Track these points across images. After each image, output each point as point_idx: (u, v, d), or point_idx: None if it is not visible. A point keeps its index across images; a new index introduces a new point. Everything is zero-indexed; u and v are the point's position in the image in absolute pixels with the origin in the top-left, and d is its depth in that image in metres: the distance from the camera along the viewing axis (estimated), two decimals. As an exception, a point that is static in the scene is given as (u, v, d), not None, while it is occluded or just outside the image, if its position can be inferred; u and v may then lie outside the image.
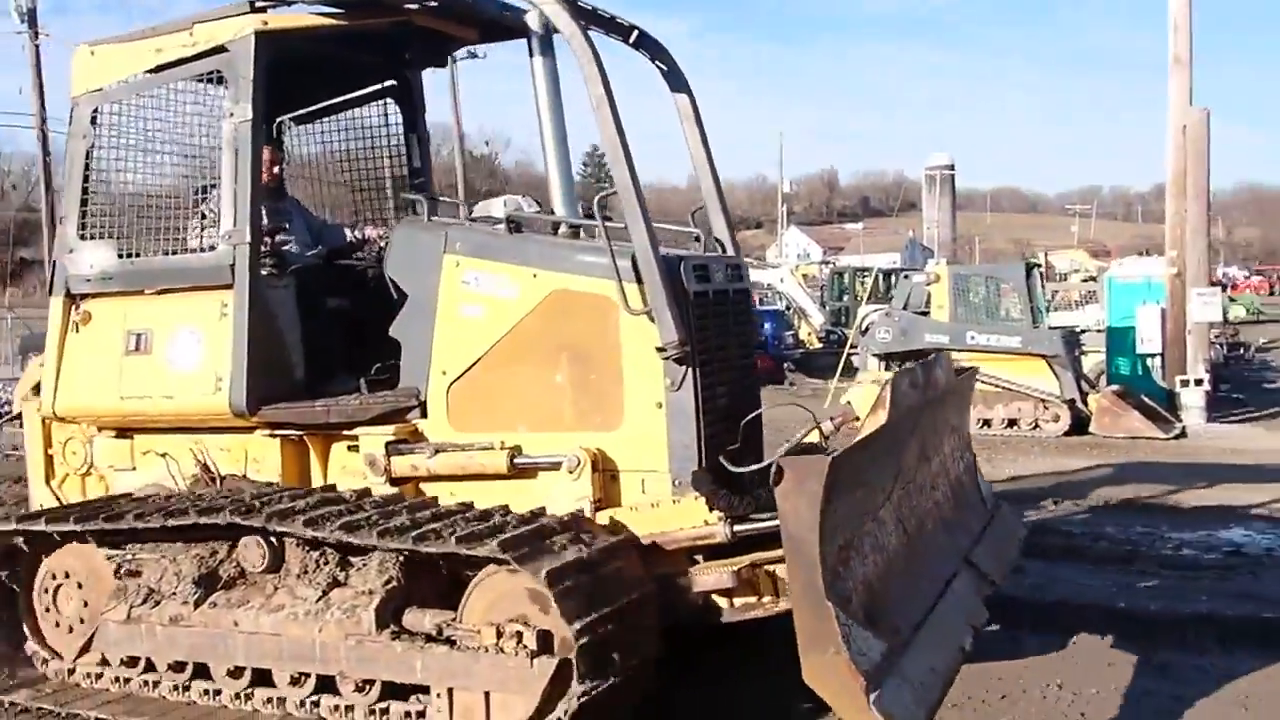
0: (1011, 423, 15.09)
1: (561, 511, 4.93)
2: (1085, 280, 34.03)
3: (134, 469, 5.95)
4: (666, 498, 4.92)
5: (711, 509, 4.74)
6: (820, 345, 28.10)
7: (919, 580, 4.56)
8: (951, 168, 44.18)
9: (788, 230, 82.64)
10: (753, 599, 4.78)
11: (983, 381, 15.56)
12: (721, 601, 4.82)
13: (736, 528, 4.71)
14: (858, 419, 4.97)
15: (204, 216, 5.69)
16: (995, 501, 6.17)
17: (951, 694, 4.39)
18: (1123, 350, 17.87)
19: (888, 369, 14.11)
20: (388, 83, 6.50)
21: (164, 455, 5.83)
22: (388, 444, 5.33)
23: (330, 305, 5.91)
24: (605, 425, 5.04)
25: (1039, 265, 19.74)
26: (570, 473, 4.98)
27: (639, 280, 4.87)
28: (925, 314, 16.20)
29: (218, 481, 5.63)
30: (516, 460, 5.11)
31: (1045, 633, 6.01)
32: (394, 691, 4.81)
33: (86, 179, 5.75)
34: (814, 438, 5.14)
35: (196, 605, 5.10)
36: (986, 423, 14.94)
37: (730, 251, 5.77)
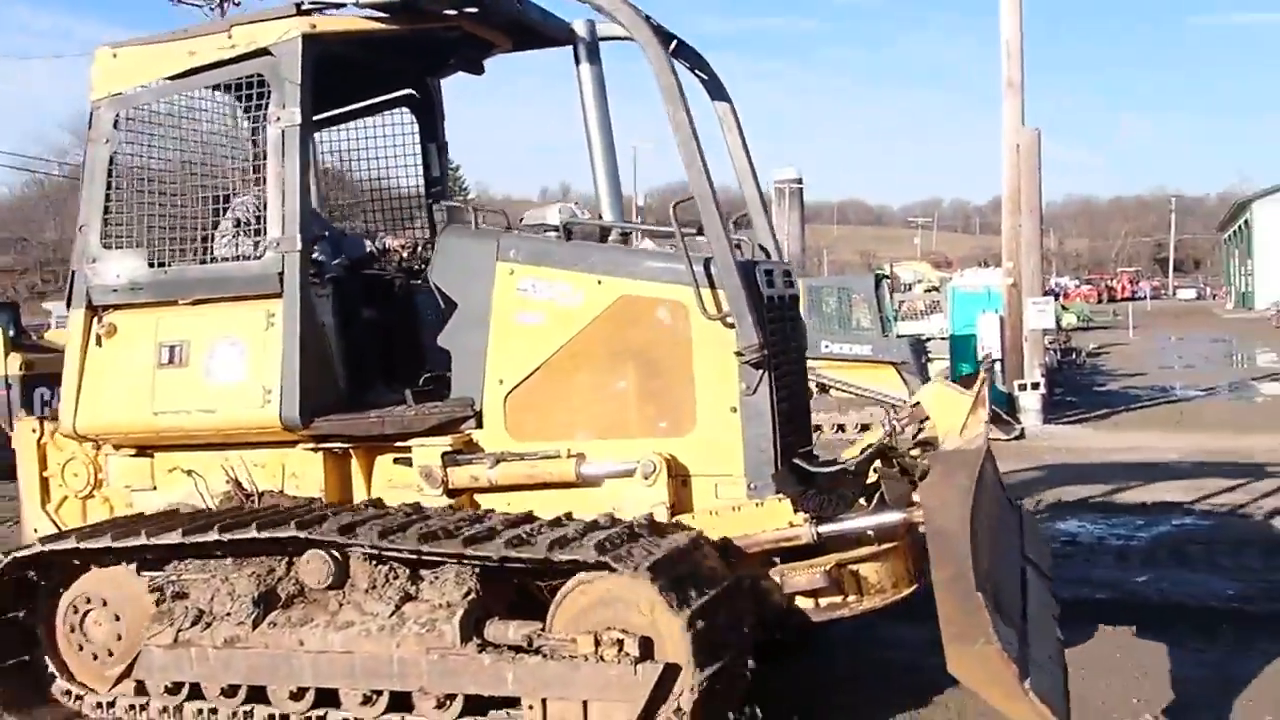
0: (864, 427, 15.48)
1: (629, 517, 4.91)
2: (928, 290, 35.22)
3: (154, 488, 5.69)
4: (741, 501, 4.94)
5: (796, 510, 4.79)
6: None
7: (1009, 575, 4.69)
8: (800, 181, 45.15)
9: (642, 242, 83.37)
10: (838, 599, 4.82)
11: (837, 388, 16.19)
12: (807, 602, 4.85)
13: (821, 529, 4.76)
14: (927, 419, 5.07)
15: (237, 224, 5.51)
16: (1018, 501, 6.37)
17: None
18: (965, 356, 18.70)
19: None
20: (405, 90, 6.38)
21: (189, 473, 5.60)
22: (444, 455, 5.22)
23: (363, 315, 5.77)
24: (675, 431, 5.03)
25: (887, 276, 20.59)
26: (645, 479, 4.96)
27: (712, 285, 4.90)
28: None
29: (256, 498, 5.44)
30: (583, 468, 5.06)
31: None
32: (476, 706, 4.72)
33: (109, 185, 5.50)
34: (872, 437, 5.24)
35: (255, 625, 4.93)
36: (841, 427, 15.62)
37: (776, 257, 5.82)
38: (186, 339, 5.35)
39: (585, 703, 4.49)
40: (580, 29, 5.57)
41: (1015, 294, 18.04)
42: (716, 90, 5.89)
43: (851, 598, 4.82)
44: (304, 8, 5.19)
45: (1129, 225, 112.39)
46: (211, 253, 5.47)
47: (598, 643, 4.48)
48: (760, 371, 4.89)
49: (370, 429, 5.27)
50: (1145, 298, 75.13)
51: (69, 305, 5.60)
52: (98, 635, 5.29)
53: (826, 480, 5.13)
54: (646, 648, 4.43)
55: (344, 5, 5.21)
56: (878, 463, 5.15)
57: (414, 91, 6.39)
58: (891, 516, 4.78)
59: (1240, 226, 61.35)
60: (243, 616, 4.95)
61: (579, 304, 5.13)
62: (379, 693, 4.80)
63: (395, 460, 5.44)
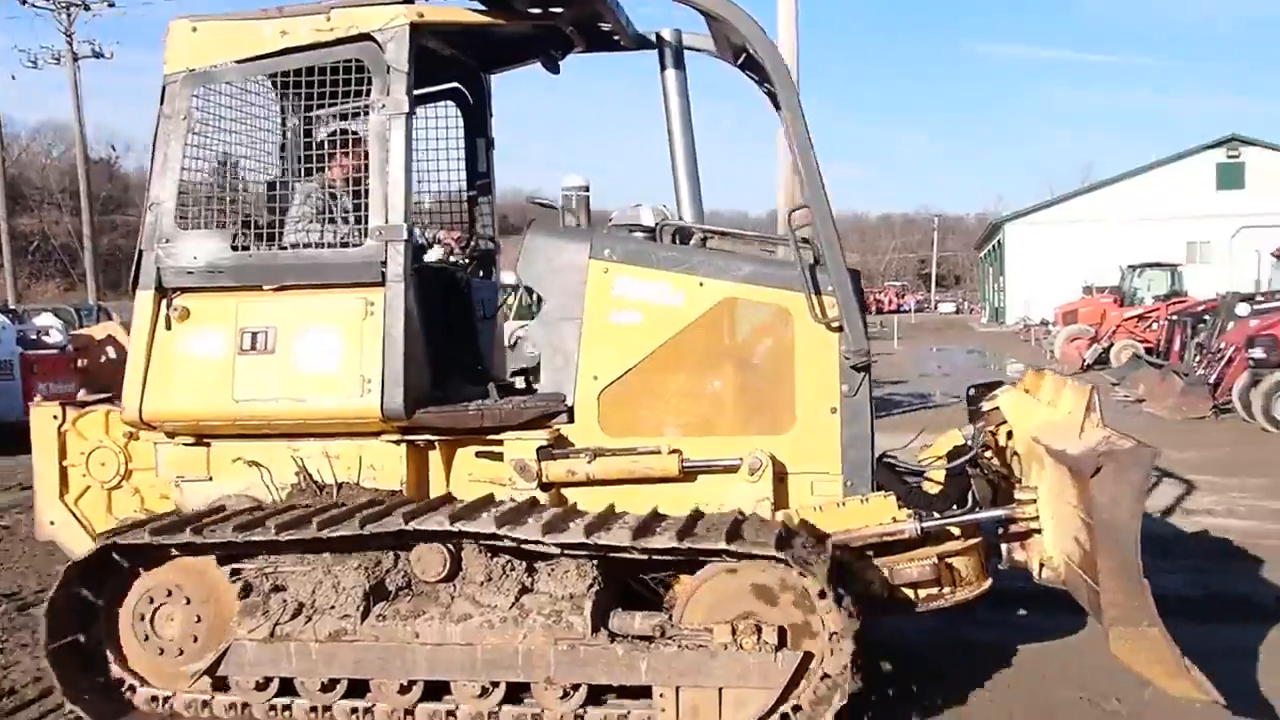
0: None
1: (734, 513, 5.08)
2: None
3: (210, 479, 5.49)
4: (838, 497, 5.17)
5: (901, 507, 5.06)
6: None
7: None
8: (586, 188, 45.75)
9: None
10: (936, 590, 5.11)
11: None
12: (909, 593, 5.12)
13: (925, 524, 5.04)
14: (1004, 423, 5.43)
15: (319, 211, 5.41)
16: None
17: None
18: None
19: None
20: (452, 84, 6.35)
21: (252, 464, 5.44)
22: (539, 449, 5.25)
23: (434, 308, 5.72)
24: (773, 429, 5.22)
25: None
26: (751, 474, 5.12)
27: (818, 291, 5.12)
28: None
29: (334, 491, 5.33)
30: (687, 463, 5.19)
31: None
32: (596, 695, 4.80)
33: (185, 163, 5.29)
34: (948, 442, 5.56)
35: (363, 618, 4.86)
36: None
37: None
38: (272, 325, 5.20)
39: (720, 690, 4.65)
40: (668, 35, 5.71)
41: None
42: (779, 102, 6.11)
43: (947, 589, 5.11)
44: None
45: (896, 241, 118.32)
46: (281, 239, 5.36)
47: (734, 631, 4.64)
48: (862, 374, 5.15)
49: (469, 421, 5.25)
50: (910, 311, 79.32)
51: (135, 287, 5.35)
52: (171, 630, 5.08)
53: (903, 480, 5.44)
54: (783, 636, 4.62)
55: (453, -5, 5.20)
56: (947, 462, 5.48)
57: (461, 86, 6.37)
58: (994, 513, 5.10)
59: (994, 246, 65.54)
60: (349, 609, 4.87)
61: (679, 304, 5.26)
62: (495, 684, 4.83)
63: (477, 454, 5.43)
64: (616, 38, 5.80)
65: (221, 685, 5.03)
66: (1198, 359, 18.91)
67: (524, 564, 4.86)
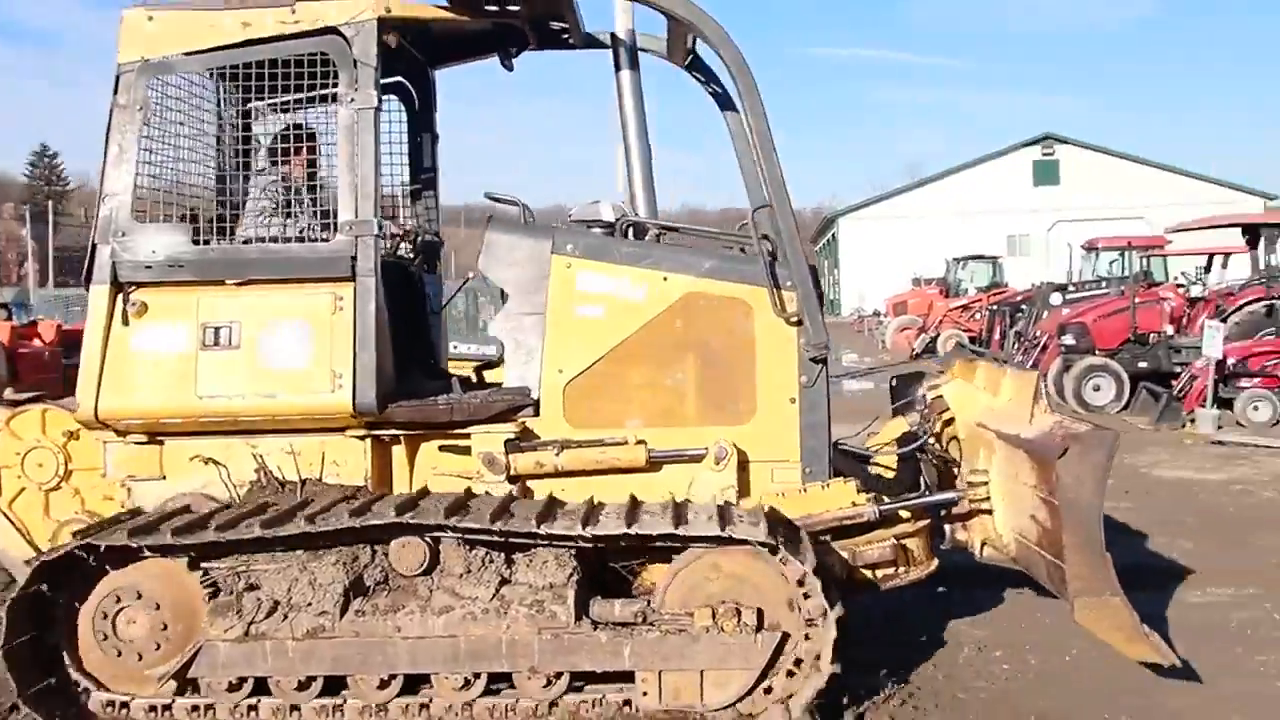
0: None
1: (703, 501, 5.25)
2: None
3: (163, 478, 5.37)
4: (796, 484, 5.37)
5: (860, 491, 5.30)
6: None
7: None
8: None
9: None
10: (891, 570, 5.37)
11: None
12: (870, 574, 5.36)
13: (883, 508, 5.29)
14: (947, 410, 5.73)
15: (276, 205, 5.36)
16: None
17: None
18: None
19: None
20: (396, 79, 6.32)
21: (209, 462, 5.35)
22: (507, 441, 5.32)
23: (393, 301, 5.72)
24: (735, 419, 5.39)
25: None
26: (717, 463, 5.29)
27: (777, 286, 5.31)
28: None
29: (298, 487, 5.28)
30: (654, 453, 5.32)
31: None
32: (574, 683, 4.90)
33: (140, 156, 5.17)
34: (895, 429, 5.83)
35: (341, 614, 4.85)
36: None
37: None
38: (236, 320, 5.13)
39: (702, 672, 4.81)
40: (623, 36, 5.84)
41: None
42: (727, 103, 6.30)
43: (902, 569, 5.38)
44: None
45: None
46: (234, 233, 5.30)
47: (714, 615, 4.81)
48: (820, 366, 5.37)
49: (439, 415, 5.28)
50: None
51: (88, 281, 5.20)
52: (133, 632, 4.96)
53: (856, 465, 5.69)
54: (761, 617, 4.81)
55: (418, -10, 5.22)
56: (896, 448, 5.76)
57: (407, 81, 6.35)
58: (946, 496, 5.39)
59: (828, 240, 67.40)
60: (327, 606, 4.85)
61: (643, 299, 5.39)
62: (477, 675, 4.88)
63: (441, 448, 5.46)
64: (567, 37, 5.90)
65: (185, 688, 4.95)
66: (1016, 346, 20.05)
67: (502, 556, 4.93)
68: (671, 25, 5.69)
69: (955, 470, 5.72)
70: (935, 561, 5.51)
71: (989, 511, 5.32)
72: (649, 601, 4.91)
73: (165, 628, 4.93)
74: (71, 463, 5.65)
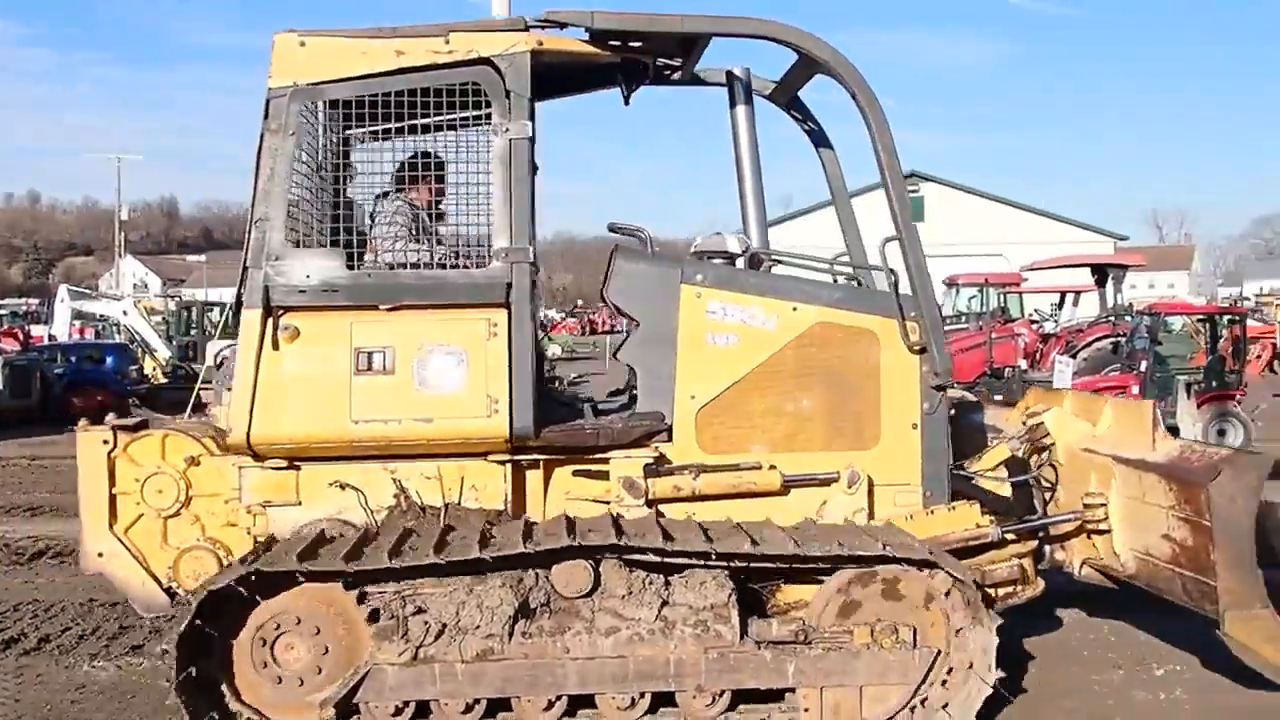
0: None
1: (835, 523, 5.45)
2: None
3: (299, 503, 5.35)
4: (916, 507, 5.60)
5: (983, 513, 5.55)
6: (167, 380, 26.65)
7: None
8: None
9: (124, 259, 78.79)
10: (1012, 589, 5.62)
11: None
12: (992, 593, 5.60)
13: (1005, 529, 5.55)
14: (1047, 435, 6.03)
15: (411, 231, 5.43)
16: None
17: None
18: None
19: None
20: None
21: (344, 487, 5.34)
22: (646, 466, 5.43)
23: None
24: (859, 445, 5.59)
25: None
26: (850, 487, 5.49)
27: (903, 316, 5.55)
28: None
29: (441, 513, 5.31)
30: (787, 478, 5.50)
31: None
32: (740, 700, 5.05)
33: (294, 179, 5.17)
34: (1003, 455, 6.10)
35: (510, 637, 4.90)
36: None
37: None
38: (390, 345, 5.15)
39: (861, 688, 5.00)
40: (739, 73, 6.05)
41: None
42: (822, 139, 6.54)
43: (1020, 588, 5.64)
44: (531, 24, 5.27)
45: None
46: (366, 259, 5.34)
47: (873, 632, 5.00)
48: (941, 393, 5.62)
49: (586, 440, 5.37)
50: (624, 331, 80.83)
51: (239, 306, 5.17)
52: (293, 660, 4.93)
53: (969, 488, 5.94)
54: (915, 632, 5.02)
55: (565, 27, 5.34)
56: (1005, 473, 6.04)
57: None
58: (1065, 516, 5.69)
59: None
60: (495, 629, 4.90)
61: (773, 328, 5.56)
62: (642, 695, 4.98)
63: (575, 472, 5.55)
64: (677, 74, 6.10)
65: (346, 714, 4.94)
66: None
67: (661, 577, 5.04)
68: (795, 66, 5.91)
69: (1051, 494, 6.02)
70: (1042, 583, 5.78)
71: (1104, 532, 5.62)
72: (804, 620, 5.08)
73: (326, 653, 4.92)
74: (192, 489, 5.58)
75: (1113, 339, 18.01)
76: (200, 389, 19.62)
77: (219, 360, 17.70)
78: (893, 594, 5.06)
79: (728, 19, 5.41)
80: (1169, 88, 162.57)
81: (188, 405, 19.07)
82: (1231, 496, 4.74)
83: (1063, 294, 21.63)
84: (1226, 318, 21.22)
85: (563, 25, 5.34)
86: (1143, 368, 16.30)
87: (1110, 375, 16.72)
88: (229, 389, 17.65)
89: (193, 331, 31.20)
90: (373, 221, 5.62)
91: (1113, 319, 18.82)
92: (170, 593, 5.60)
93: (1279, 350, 32.60)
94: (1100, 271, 20.00)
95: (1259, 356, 31.37)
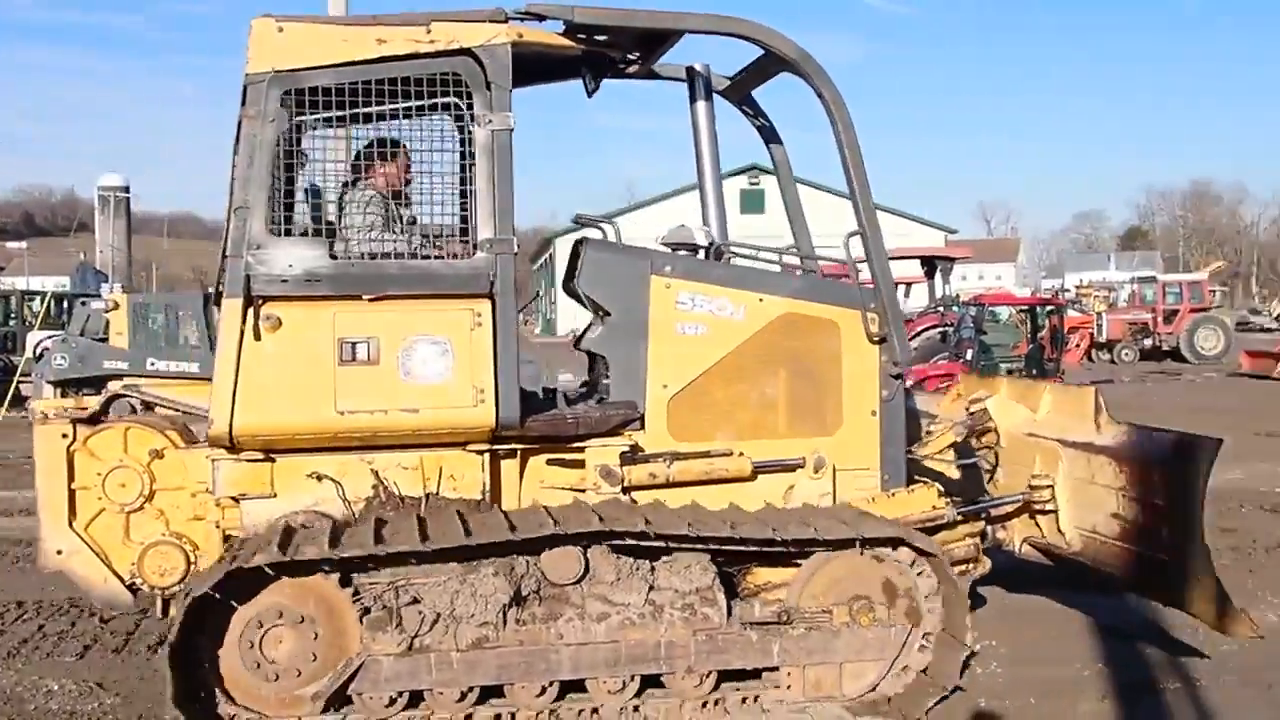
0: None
1: (798, 506, 5.65)
2: None
3: (274, 495, 5.27)
4: (875, 491, 5.84)
5: (940, 495, 5.82)
6: None
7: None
8: (127, 189, 43.22)
9: None
10: (967, 568, 5.91)
11: (163, 405, 16.15)
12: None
13: (960, 510, 5.83)
14: (989, 420, 6.34)
15: (413, 221, 5.41)
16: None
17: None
18: None
19: (64, 396, 13.90)
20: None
21: (321, 479, 5.29)
22: (622, 454, 5.53)
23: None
24: (821, 431, 5.79)
25: (220, 294, 20.98)
26: (816, 471, 5.70)
27: (865, 307, 5.77)
28: (104, 340, 16.79)
29: (420, 502, 5.30)
30: (756, 464, 5.66)
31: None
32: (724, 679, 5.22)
33: (275, 167, 5.07)
34: (949, 439, 6.39)
35: (504, 625, 4.95)
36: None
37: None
38: (374, 335, 5.11)
39: (841, 665, 5.21)
40: (699, 69, 6.17)
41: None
42: (772, 135, 6.71)
43: (972, 566, 5.94)
44: (510, 16, 5.28)
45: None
46: (335, 248, 5.29)
47: (851, 611, 5.22)
48: (899, 381, 5.87)
49: (566, 429, 5.43)
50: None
51: (220, 296, 5.05)
52: (282, 654, 4.88)
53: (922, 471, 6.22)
54: (893, 612, 5.26)
55: (545, 19, 5.37)
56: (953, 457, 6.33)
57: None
58: (1014, 498, 6.01)
59: (546, 259, 68.37)
60: (490, 617, 4.95)
61: (741, 318, 5.71)
62: (632, 678, 5.09)
63: (549, 461, 5.60)
64: (634, 68, 6.19)
65: (335, 707, 4.92)
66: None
67: (647, 563, 5.16)
68: (758, 63, 6.06)
69: (991, 477, 6.36)
70: (989, 561, 6.10)
71: (1049, 512, 5.97)
72: (782, 601, 5.27)
73: (316, 640, 4.89)
74: (156, 483, 5.44)
75: (941, 328, 18.74)
76: (19, 381, 18.81)
77: (38, 351, 17.03)
78: (870, 572, 5.29)
79: (703, 16, 5.52)
80: (1000, 87, 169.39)
81: (5, 396, 18.30)
82: (1185, 477, 5.11)
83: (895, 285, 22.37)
84: (1047, 308, 22.51)
85: (542, 18, 5.38)
86: (969, 356, 17.10)
87: (939, 364, 17.36)
88: (49, 381, 17.05)
89: (11, 321, 29.50)
90: (341, 210, 5.55)
91: (941, 309, 19.57)
92: (133, 589, 5.46)
93: (1096, 339, 34.66)
94: (929, 263, 20.75)
95: (1078, 345, 33.33)
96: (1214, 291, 45.08)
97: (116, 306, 16.71)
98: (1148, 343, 34.53)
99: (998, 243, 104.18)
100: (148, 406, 18.16)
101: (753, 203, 59.71)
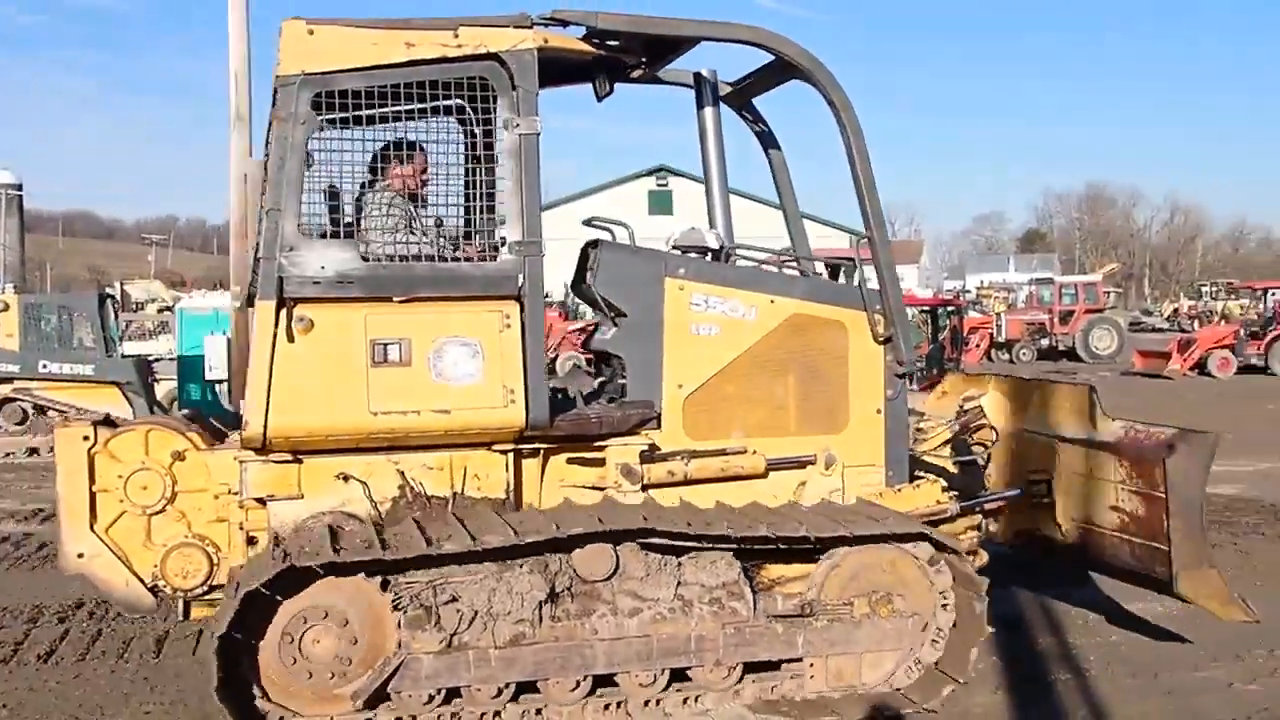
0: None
1: (815, 503, 5.82)
2: (162, 310, 34.95)
3: (301, 496, 5.29)
4: (880, 487, 6.03)
5: (944, 490, 6.02)
6: None
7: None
8: (19, 187, 42.26)
9: None
10: (972, 557, 6.11)
11: (55, 409, 15.78)
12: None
13: (962, 504, 6.05)
14: (984, 417, 6.57)
15: (441, 223, 5.46)
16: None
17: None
18: (193, 377, 18.45)
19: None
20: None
21: (349, 479, 5.32)
22: (642, 452, 5.64)
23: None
24: (830, 429, 5.95)
25: (112, 295, 21.15)
26: (827, 468, 5.86)
27: (868, 309, 5.96)
28: None
29: (449, 502, 5.36)
30: (770, 461, 5.81)
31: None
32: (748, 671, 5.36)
33: (307, 169, 5.09)
34: (944, 436, 6.61)
35: (540, 621, 5.04)
36: (34, 451, 15.72)
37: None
38: (406, 337, 5.15)
39: (861, 655, 5.39)
40: (706, 75, 6.30)
41: (242, 317, 15.77)
42: (771, 141, 6.86)
43: (973, 556, 6.15)
44: (536, 21, 5.36)
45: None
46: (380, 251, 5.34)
47: (871, 603, 5.40)
48: (903, 381, 6.06)
49: (590, 429, 5.52)
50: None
51: (252, 297, 5.05)
52: (321, 652, 4.91)
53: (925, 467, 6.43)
54: (911, 603, 5.45)
55: (569, 25, 5.46)
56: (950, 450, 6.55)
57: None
58: (1013, 492, 6.23)
59: None
60: (526, 614, 5.03)
61: (754, 319, 5.86)
62: (662, 671, 5.21)
63: (569, 460, 5.69)
64: (638, 72, 6.30)
65: (372, 706, 4.97)
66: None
67: (675, 559, 5.28)
68: (766, 70, 6.21)
69: (983, 472, 6.60)
70: (985, 554, 6.32)
71: (1045, 506, 6.21)
72: (805, 594, 5.42)
73: (355, 643, 4.93)
74: (177, 485, 5.42)
75: None
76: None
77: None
78: (890, 567, 5.47)
79: (722, 24, 5.64)
80: (900, 91, 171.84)
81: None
82: (1185, 471, 5.37)
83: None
84: (948, 309, 23.04)
85: (566, 23, 5.46)
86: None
87: None
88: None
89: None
90: (360, 212, 5.58)
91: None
92: (155, 591, 5.43)
93: (995, 339, 35.64)
94: (833, 266, 21.17)
95: (978, 345, 34.24)
96: (1108, 293, 46.56)
97: (7, 308, 16.45)
98: (1045, 342, 35.65)
99: (902, 245, 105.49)
100: (40, 410, 17.79)
101: (660, 203, 59.68)
